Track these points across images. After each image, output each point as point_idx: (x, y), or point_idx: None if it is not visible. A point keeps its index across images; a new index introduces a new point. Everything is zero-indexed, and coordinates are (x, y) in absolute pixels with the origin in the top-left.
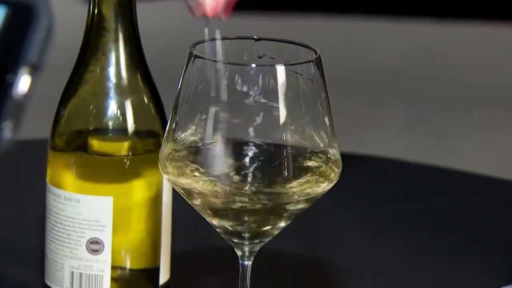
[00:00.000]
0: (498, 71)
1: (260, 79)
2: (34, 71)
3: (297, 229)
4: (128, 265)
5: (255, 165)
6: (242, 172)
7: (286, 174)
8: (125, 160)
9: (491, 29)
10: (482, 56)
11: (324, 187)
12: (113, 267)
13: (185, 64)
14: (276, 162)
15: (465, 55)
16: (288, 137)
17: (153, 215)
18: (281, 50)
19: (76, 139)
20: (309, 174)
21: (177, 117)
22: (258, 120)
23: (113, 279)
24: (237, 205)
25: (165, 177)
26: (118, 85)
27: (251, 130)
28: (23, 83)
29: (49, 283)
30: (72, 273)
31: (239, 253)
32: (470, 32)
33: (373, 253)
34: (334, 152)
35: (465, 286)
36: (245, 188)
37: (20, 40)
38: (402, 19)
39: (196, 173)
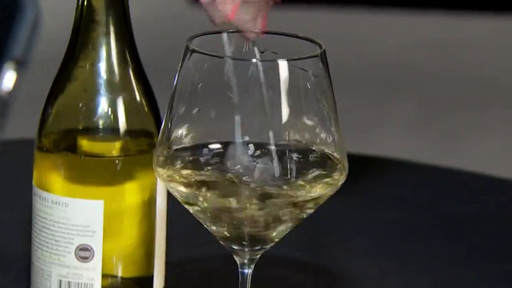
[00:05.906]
0: None
1: (261, 75)
2: (20, 66)
3: (300, 234)
4: (119, 274)
5: (255, 166)
6: (242, 174)
7: (288, 176)
8: (117, 162)
9: (504, 21)
10: (495, 51)
11: (329, 189)
12: (104, 276)
13: (181, 59)
14: (278, 163)
15: (477, 49)
16: (291, 136)
17: (146, 220)
18: (284, 44)
19: (64, 139)
20: (313, 176)
21: (173, 116)
22: (259, 118)
23: None
24: (237, 208)
25: (159, 179)
26: (109, 81)
27: (252, 128)
28: (8, 79)
29: None
30: (60, 281)
31: (238, 260)
32: (482, 25)
33: (379, 259)
34: (339, 153)
35: None
36: (245, 191)
37: (5, 34)
38: (411, 12)
39: (193, 175)
